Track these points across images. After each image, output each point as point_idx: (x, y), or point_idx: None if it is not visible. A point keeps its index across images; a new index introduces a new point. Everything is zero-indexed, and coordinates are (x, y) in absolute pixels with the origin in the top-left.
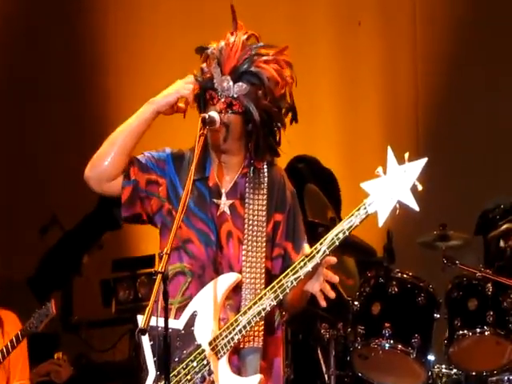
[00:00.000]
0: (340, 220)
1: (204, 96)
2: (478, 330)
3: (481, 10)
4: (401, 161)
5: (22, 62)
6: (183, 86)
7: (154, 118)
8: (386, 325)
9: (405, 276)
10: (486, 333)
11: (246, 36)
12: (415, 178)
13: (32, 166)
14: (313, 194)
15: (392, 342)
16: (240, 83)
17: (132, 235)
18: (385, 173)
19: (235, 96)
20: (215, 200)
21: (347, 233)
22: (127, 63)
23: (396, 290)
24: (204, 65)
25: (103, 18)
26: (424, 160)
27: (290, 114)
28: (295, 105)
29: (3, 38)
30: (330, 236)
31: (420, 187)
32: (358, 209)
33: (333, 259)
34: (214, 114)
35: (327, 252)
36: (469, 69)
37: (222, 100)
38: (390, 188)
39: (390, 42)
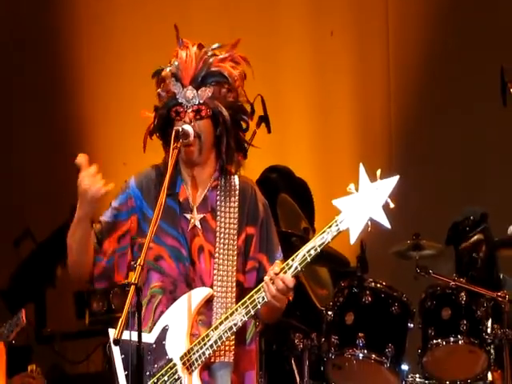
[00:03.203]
0: (313, 230)
1: (168, 117)
2: (452, 339)
3: (453, 22)
4: (373, 178)
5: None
6: (81, 188)
7: (87, 224)
8: (360, 335)
9: (378, 286)
10: (460, 342)
11: (195, 47)
12: (387, 196)
13: (4, 180)
14: (286, 204)
15: (366, 351)
16: (203, 88)
17: None
18: (357, 190)
19: (201, 102)
20: (186, 215)
21: (319, 249)
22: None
23: (369, 299)
24: (159, 90)
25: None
26: (396, 178)
27: (263, 124)
28: (268, 115)
29: None
30: (302, 252)
31: (392, 205)
32: (330, 226)
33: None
34: (186, 126)
35: (299, 268)
36: (442, 79)
37: (190, 110)
38: (361, 205)
39: (362, 53)
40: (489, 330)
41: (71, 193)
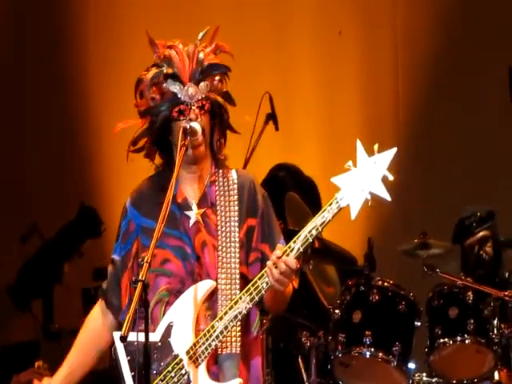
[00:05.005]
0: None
1: (169, 119)
2: (459, 338)
3: (461, 20)
4: (370, 153)
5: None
6: None
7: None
8: (367, 333)
9: (386, 284)
10: (467, 341)
11: (180, 45)
12: (385, 169)
13: (13, 175)
14: (294, 202)
15: (373, 349)
16: (202, 83)
17: (113, 243)
18: (355, 166)
19: (203, 96)
20: (186, 212)
21: (320, 229)
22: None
23: (377, 298)
24: (152, 95)
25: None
26: (393, 150)
27: (270, 122)
28: (275, 113)
29: None
30: (303, 233)
31: (391, 177)
32: (330, 203)
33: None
34: (194, 123)
35: (301, 250)
36: (449, 78)
37: (194, 107)
38: (360, 180)
39: (370, 52)
40: (495, 330)
41: (79, 189)
